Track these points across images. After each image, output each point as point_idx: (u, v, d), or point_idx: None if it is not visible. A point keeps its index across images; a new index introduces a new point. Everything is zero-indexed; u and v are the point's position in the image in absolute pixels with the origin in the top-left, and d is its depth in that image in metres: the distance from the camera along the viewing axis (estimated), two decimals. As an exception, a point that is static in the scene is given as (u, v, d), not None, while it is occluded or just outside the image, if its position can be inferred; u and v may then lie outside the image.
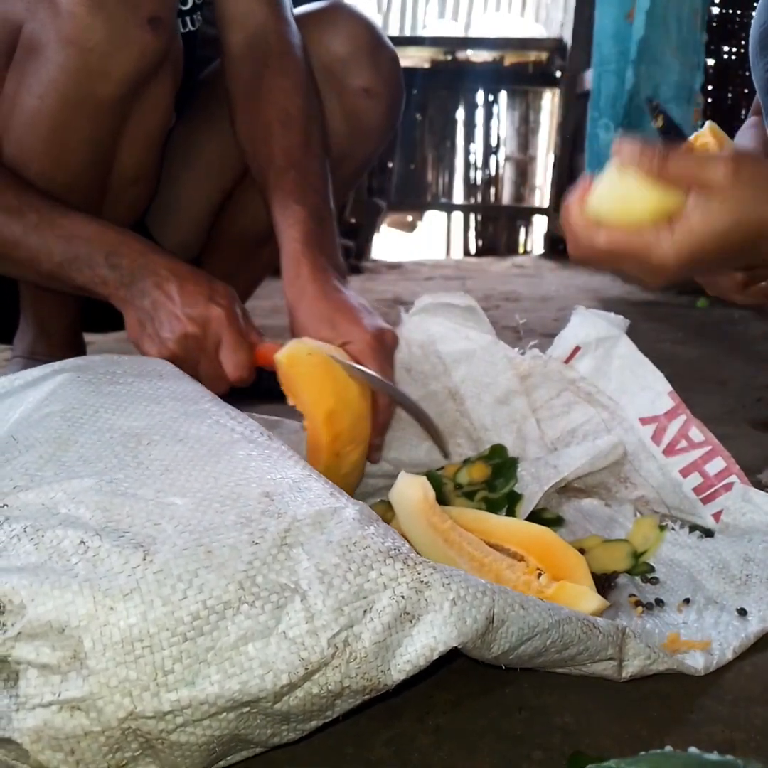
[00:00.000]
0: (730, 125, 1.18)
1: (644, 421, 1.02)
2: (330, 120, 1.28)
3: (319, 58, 1.28)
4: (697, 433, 0.98)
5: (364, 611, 0.56)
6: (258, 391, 1.13)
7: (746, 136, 1.20)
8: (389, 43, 1.37)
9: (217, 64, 1.41)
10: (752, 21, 1.10)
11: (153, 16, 1.03)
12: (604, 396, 1.04)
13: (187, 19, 1.31)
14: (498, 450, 1.05)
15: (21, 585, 0.53)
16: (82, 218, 1.00)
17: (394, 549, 0.59)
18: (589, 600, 0.74)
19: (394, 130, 1.45)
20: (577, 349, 1.07)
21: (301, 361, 0.92)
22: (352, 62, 1.32)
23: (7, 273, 1.21)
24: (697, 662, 0.72)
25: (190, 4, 1.30)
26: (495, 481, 1.01)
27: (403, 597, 0.57)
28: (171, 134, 1.27)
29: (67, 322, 1.36)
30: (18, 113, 1.06)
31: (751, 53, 1.11)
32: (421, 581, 0.57)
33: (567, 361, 1.08)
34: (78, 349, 1.40)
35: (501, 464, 1.03)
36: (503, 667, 0.65)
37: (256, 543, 0.57)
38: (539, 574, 0.77)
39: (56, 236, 0.99)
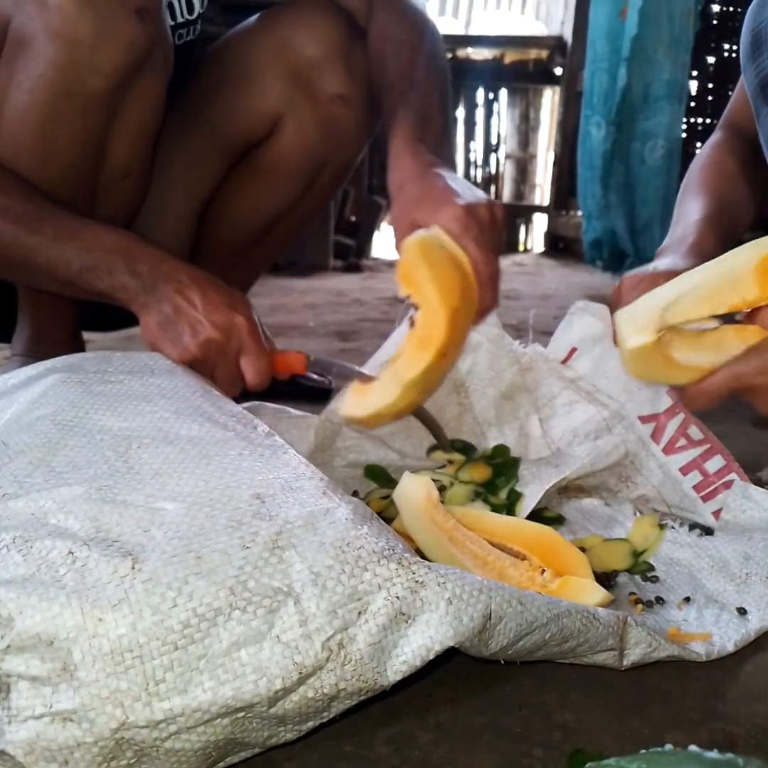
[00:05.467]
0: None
1: (644, 419, 1.01)
2: (304, 127, 1.28)
3: (289, 61, 1.25)
4: (696, 431, 0.98)
5: (359, 613, 0.55)
6: (266, 393, 1.14)
7: (703, 171, 1.14)
8: (363, 40, 1.27)
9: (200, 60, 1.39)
10: (743, 26, 1.09)
11: (140, 6, 1.03)
12: (604, 395, 1.04)
13: (191, 28, 1.29)
14: (500, 450, 1.05)
15: (9, 597, 0.53)
16: (99, 228, 1.00)
17: (389, 549, 0.59)
18: (594, 593, 0.73)
19: (374, 135, 1.39)
20: (573, 349, 1.07)
21: (433, 252, 0.88)
22: (324, 67, 1.27)
23: (21, 281, 1.22)
24: (698, 650, 0.71)
25: (196, 13, 1.28)
26: (496, 480, 1.01)
27: (398, 597, 0.56)
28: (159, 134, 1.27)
29: (66, 321, 1.35)
30: (7, 108, 1.06)
31: (742, 59, 1.10)
32: (416, 581, 0.57)
33: (564, 362, 1.07)
34: (77, 347, 1.39)
35: (502, 464, 1.02)
36: (502, 662, 0.65)
37: (247, 547, 0.56)
38: (542, 571, 0.77)
39: (75, 247, 0.99)
